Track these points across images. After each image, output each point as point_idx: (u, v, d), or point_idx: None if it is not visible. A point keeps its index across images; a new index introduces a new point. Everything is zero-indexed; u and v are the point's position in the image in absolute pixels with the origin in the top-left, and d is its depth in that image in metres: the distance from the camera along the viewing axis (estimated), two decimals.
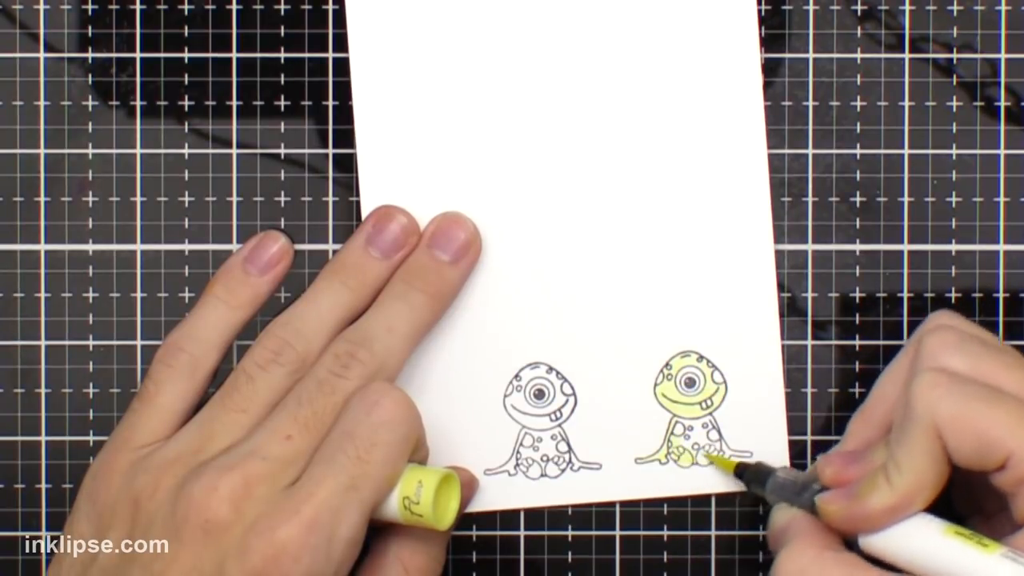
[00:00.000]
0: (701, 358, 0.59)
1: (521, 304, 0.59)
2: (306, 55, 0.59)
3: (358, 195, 0.59)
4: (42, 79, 0.59)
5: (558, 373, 0.59)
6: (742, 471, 0.57)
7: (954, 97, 0.59)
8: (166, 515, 0.52)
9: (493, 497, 0.59)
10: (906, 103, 0.59)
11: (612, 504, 0.59)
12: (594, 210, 0.59)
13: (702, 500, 0.59)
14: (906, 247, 0.59)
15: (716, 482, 0.59)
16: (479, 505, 0.59)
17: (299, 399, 0.54)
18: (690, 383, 0.59)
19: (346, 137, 0.59)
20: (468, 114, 0.59)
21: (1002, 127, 0.59)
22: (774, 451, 0.58)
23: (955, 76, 0.59)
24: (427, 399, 0.58)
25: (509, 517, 0.59)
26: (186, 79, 0.59)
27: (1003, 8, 0.59)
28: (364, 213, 0.58)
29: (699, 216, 0.59)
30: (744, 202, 0.59)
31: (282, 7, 0.59)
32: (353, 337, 0.55)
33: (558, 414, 0.59)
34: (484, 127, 0.59)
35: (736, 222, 0.59)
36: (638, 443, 0.59)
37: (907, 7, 0.59)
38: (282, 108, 0.59)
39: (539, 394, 0.59)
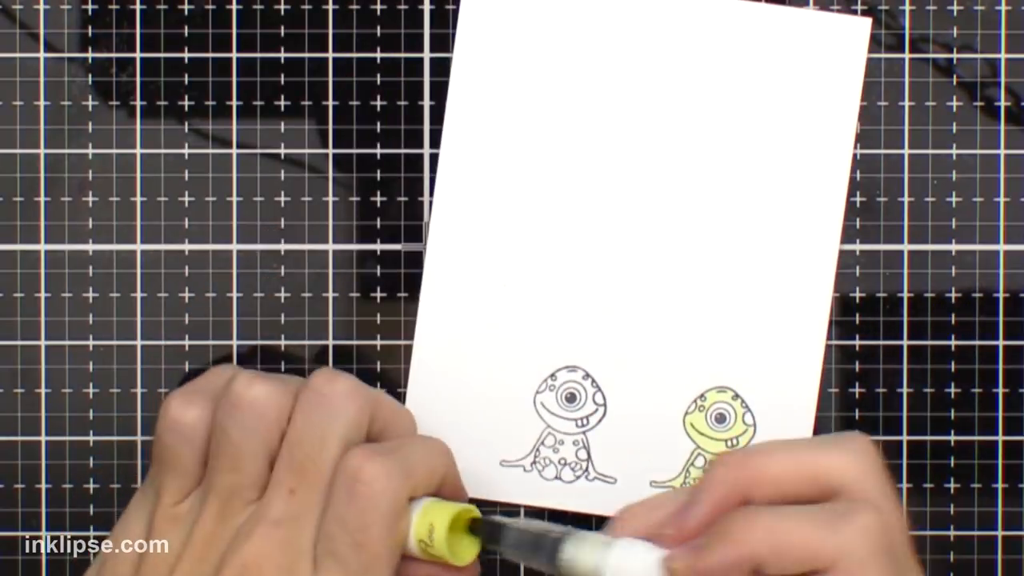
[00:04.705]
0: (736, 396, 0.58)
1: (572, 305, 0.58)
2: (306, 55, 0.59)
3: (361, 195, 0.59)
4: (42, 79, 0.59)
5: (594, 381, 0.59)
6: (475, 528, 0.53)
7: (954, 97, 0.59)
8: None
9: (504, 489, 0.59)
10: (906, 103, 0.59)
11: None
12: (658, 233, 0.58)
13: None
14: (906, 247, 0.59)
15: None
16: (489, 494, 0.59)
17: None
18: (720, 419, 0.58)
19: (346, 137, 0.59)
20: (547, 124, 0.58)
21: (1002, 127, 0.59)
22: None
23: (955, 76, 0.59)
24: (462, 379, 0.58)
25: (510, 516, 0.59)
26: (186, 79, 0.59)
27: (1003, 8, 0.59)
28: (437, 207, 0.58)
29: (762, 257, 0.58)
30: (810, 251, 0.58)
31: (282, 7, 0.59)
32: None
33: (585, 421, 0.59)
34: (560, 136, 0.58)
35: (799, 272, 0.58)
36: (657, 466, 0.58)
37: (907, 7, 0.59)
38: (282, 108, 0.59)
39: (570, 397, 0.59)
